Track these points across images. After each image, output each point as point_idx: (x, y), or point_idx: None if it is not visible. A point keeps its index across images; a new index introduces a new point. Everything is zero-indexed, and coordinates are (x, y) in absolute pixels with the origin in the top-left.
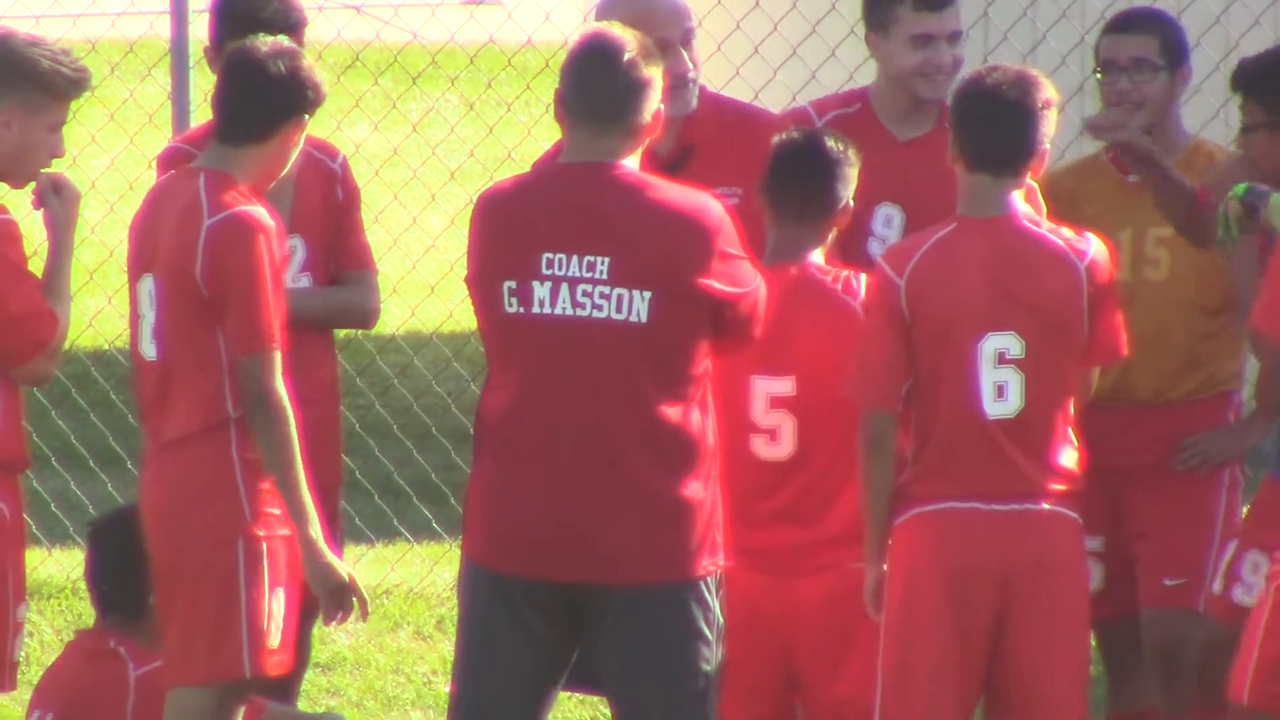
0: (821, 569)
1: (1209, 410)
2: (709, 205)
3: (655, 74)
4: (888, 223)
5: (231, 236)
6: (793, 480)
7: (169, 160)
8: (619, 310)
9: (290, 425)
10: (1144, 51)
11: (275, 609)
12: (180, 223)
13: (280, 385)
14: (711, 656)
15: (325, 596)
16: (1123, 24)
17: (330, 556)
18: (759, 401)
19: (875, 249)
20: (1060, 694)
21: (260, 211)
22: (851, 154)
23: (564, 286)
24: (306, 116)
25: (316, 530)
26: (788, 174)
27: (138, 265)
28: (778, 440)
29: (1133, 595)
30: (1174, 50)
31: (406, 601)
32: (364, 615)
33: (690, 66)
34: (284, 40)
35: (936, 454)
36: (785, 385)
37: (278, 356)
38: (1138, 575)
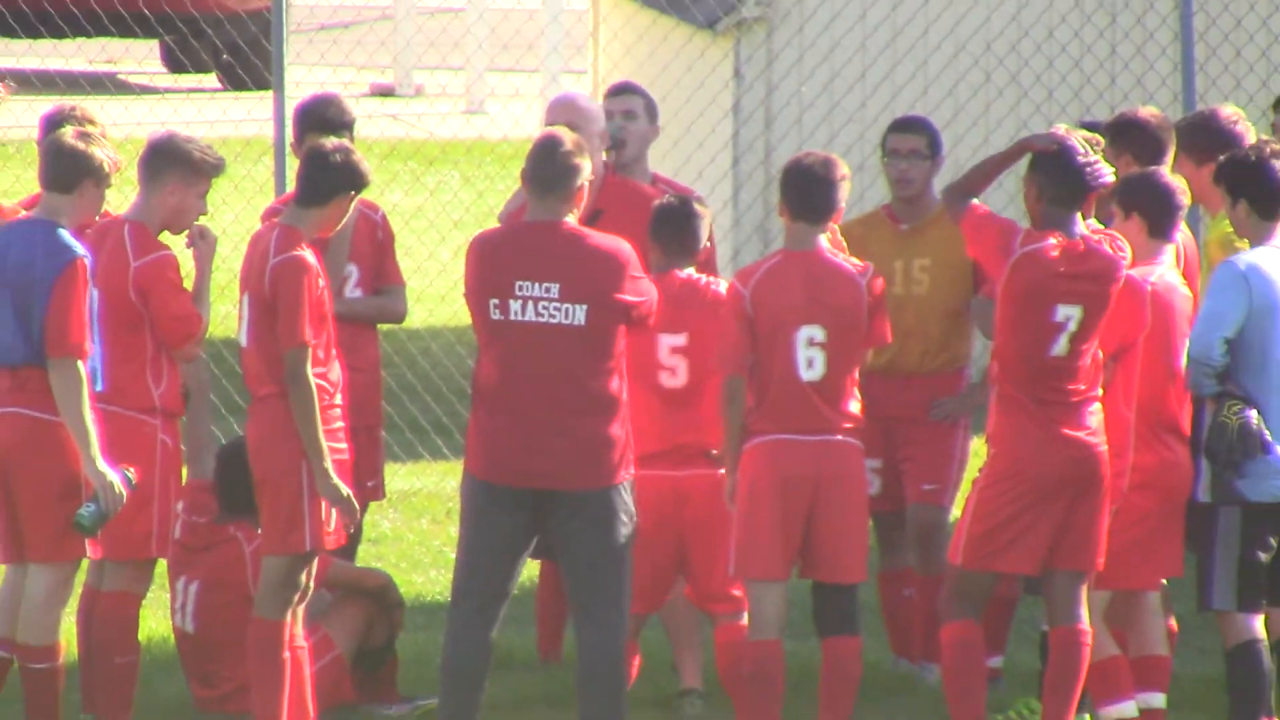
0: (699, 468)
1: (951, 379)
2: (621, 245)
3: (584, 160)
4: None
5: (285, 271)
6: (661, 406)
7: (268, 215)
8: (566, 318)
9: (313, 397)
10: (916, 145)
11: (328, 507)
12: (260, 260)
13: (309, 370)
14: (628, 532)
15: (332, 504)
16: (902, 125)
17: (336, 480)
18: (663, 350)
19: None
20: (849, 556)
21: (306, 255)
22: (700, 209)
23: (530, 303)
24: (354, 193)
25: (328, 464)
26: (665, 224)
27: (242, 286)
28: (676, 375)
29: (900, 496)
30: (936, 145)
31: (426, 499)
32: (353, 522)
33: (603, 155)
34: (343, 138)
35: (770, 404)
36: (680, 340)
37: (308, 351)
38: (904, 483)
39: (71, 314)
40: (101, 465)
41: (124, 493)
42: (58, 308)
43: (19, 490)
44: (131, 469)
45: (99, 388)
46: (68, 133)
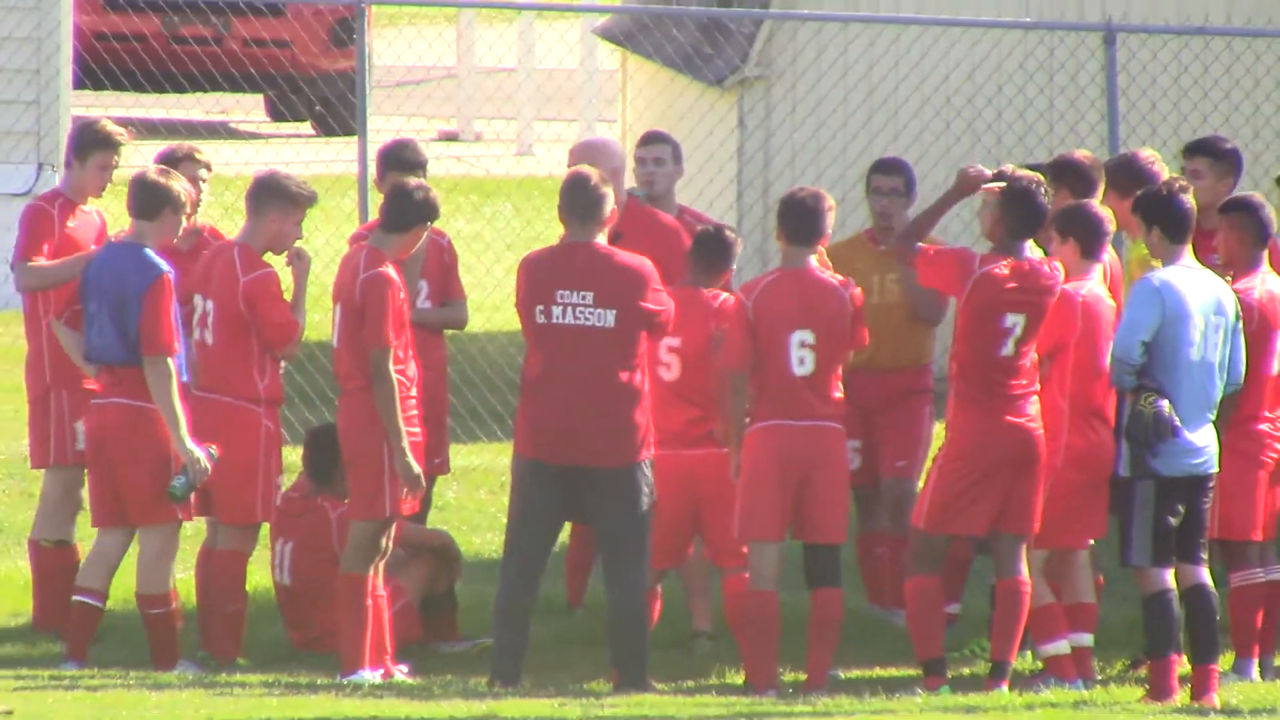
0: (708, 449)
1: (918, 374)
2: (645, 263)
3: (609, 190)
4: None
5: (373, 285)
6: (675, 397)
7: (355, 239)
8: (598, 321)
9: (394, 390)
10: (896, 185)
11: (405, 477)
12: (350, 275)
13: (391, 368)
14: (649, 502)
15: (404, 481)
16: (885, 167)
17: (410, 459)
18: (662, 349)
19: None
20: (833, 520)
21: (390, 272)
22: (734, 238)
23: (569, 309)
24: (429, 223)
25: (405, 445)
26: (702, 248)
27: (334, 297)
28: (671, 370)
29: (876, 471)
30: (911, 184)
31: (484, 474)
32: (419, 495)
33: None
34: (419, 176)
35: (768, 395)
36: (676, 342)
37: (391, 352)
38: (880, 461)
39: (161, 319)
40: (189, 444)
41: (208, 466)
42: (149, 315)
43: (120, 467)
44: (214, 446)
45: (184, 378)
46: (151, 169)
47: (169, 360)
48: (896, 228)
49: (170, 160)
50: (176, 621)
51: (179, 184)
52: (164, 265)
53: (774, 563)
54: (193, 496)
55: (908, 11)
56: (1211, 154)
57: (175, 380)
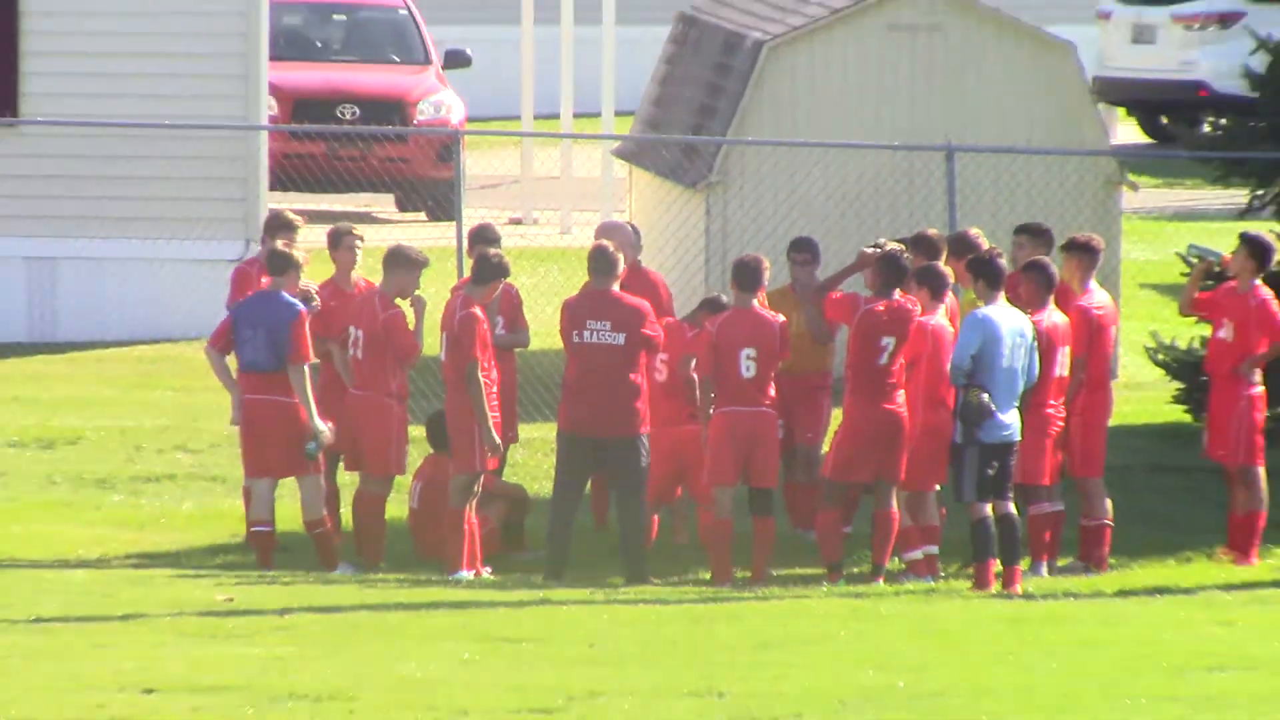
0: (687, 427)
1: (821, 377)
2: (643, 303)
3: (619, 256)
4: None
5: (467, 320)
6: (665, 393)
7: (454, 290)
8: (613, 341)
9: (481, 389)
10: (806, 257)
11: (489, 445)
12: (452, 313)
13: (479, 374)
14: (646, 461)
15: (489, 447)
16: (798, 245)
17: (493, 433)
18: (656, 360)
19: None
20: (769, 472)
21: (476, 311)
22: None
23: (594, 332)
24: (504, 279)
25: (489, 424)
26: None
27: (442, 327)
28: (661, 372)
29: (793, 441)
30: (816, 255)
31: (540, 443)
32: (498, 457)
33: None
34: (497, 247)
35: (726, 391)
36: (664, 355)
37: (478, 364)
38: (796, 434)
39: (300, 340)
40: (318, 422)
41: (331, 438)
42: (294, 337)
43: (271, 440)
44: (330, 424)
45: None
46: (279, 243)
47: (305, 367)
48: (805, 282)
49: (335, 235)
50: (334, 538)
51: (298, 252)
52: (299, 304)
53: (730, 500)
54: (344, 457)
55: (818, 138)
56: (1030, 233)
57: (309, 379)
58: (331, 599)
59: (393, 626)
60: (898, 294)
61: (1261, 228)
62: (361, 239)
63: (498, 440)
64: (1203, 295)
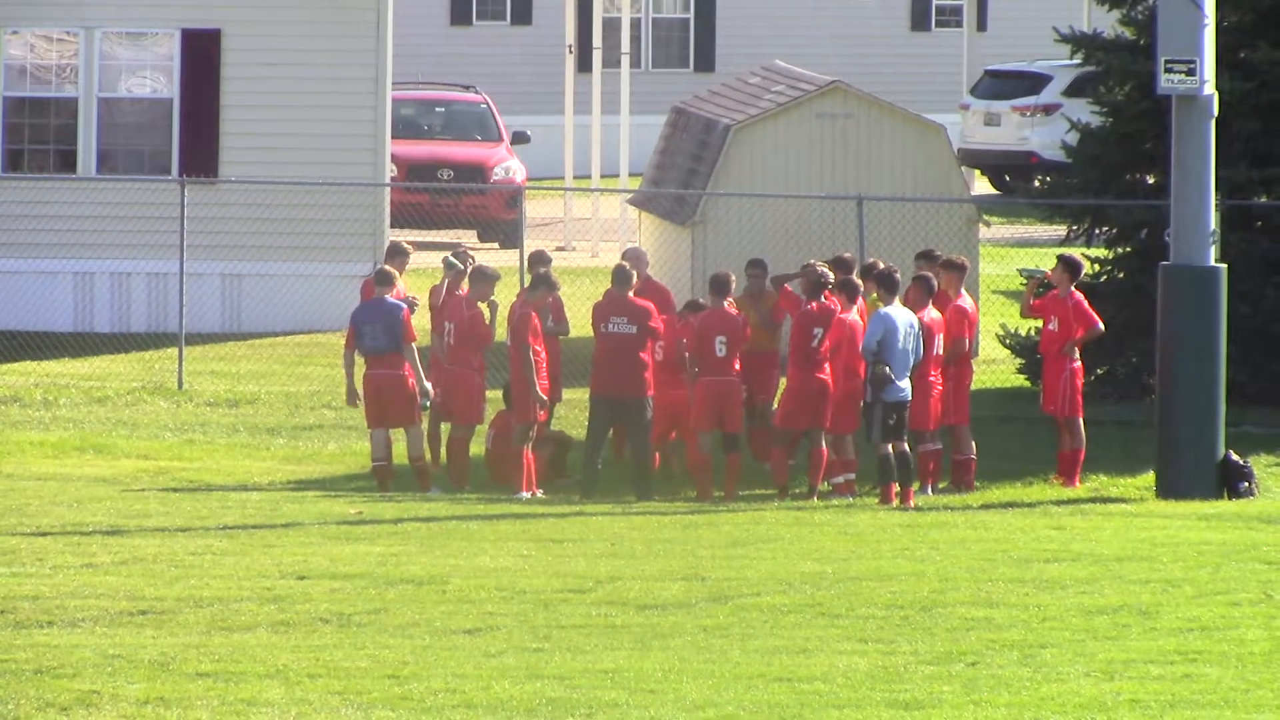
0: (680, 390)
1: (771, 355)
2: (650, 305)
3: (634, 271)
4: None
5: (522, 319)
6: (664, 367)
7: (519, 297)
8: (628, 331)
9: (531, 364)
10: (759, 273)
11: (538, 402)
12: (514, 312)
13: (529, 355)
14: (650, 414)
15: (538, 403)
16: (752, 264)
17: (539, 393)
18: (656, 346)
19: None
20: (736, 421)
21: (532, 313)
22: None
23: (615, 324)
24: (550, 290)
25: (537, 388)
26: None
27: (508, 323)
28: (660, 353)
29: (753, 401)
30: (767, 271)
31: (578, 403)
32: (546, 411)
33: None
34: (549, 267)
35: (705, 366)
36: (661, 342)
37: (530, 347)
38: (754, 396)
39: (408, 327)
40: (425, 385)
41: (432, 395)
42: (405, 326)
43: (391, 403)
44: (432, 387)
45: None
46: (385, 265)
47: (413, 346)
48: (758, 289)
49: (459, 258)
50: (431, 470)
51: (399, 272)
52: (402, 305)
53: (709, 441)
54: (440, 411)
55: (770, 191)
56: (924, 256)
57: (416, 355)
58: (430, 512)
59: (473, 531)
60: (824, 297)
61: (1075, 251)
62: (470, 260)
63: (545, 398)
64: (1036, 302)
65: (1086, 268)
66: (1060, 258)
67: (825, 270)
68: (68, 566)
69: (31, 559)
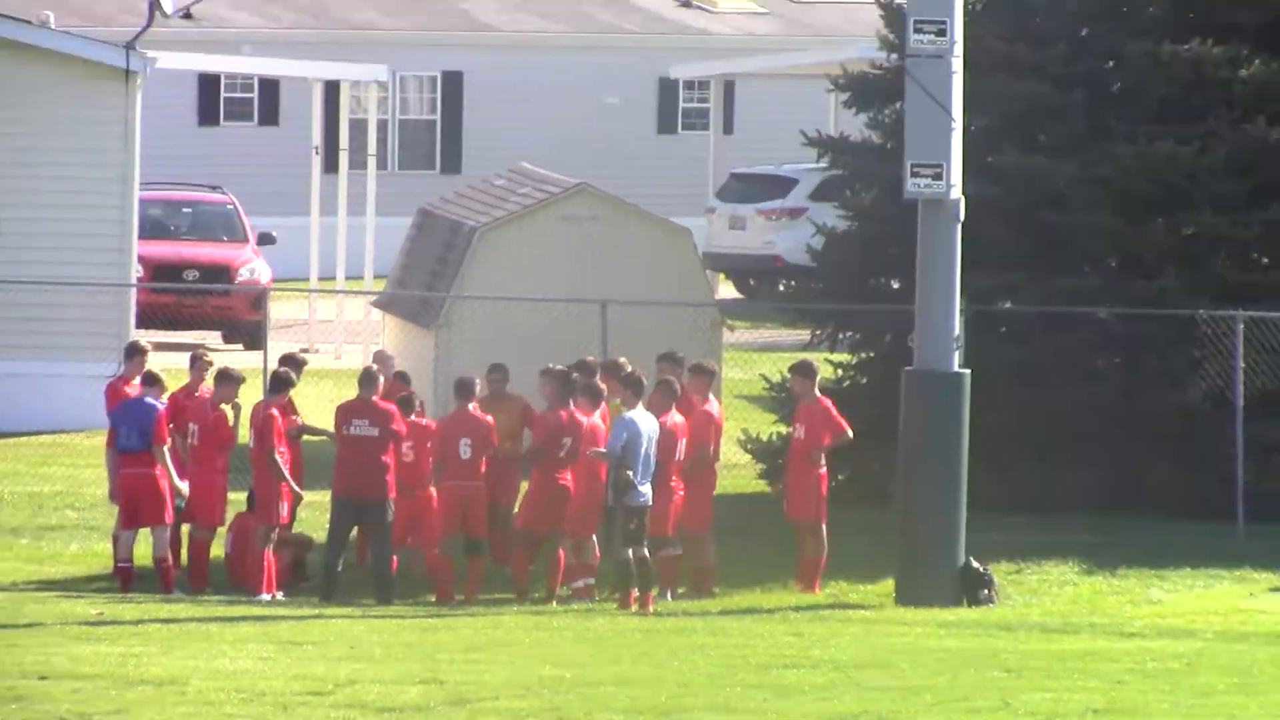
0: (422, 492)
1: (515, 459)
2: (393, 408)
3: (381, 377)
4: None
5: (265, 420)
6: (412, 468)
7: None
8: (371, 433)
9: (278, 466)
10: (501, 375)
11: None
12: (257, 414)
13: (276, 456)
14: (391, 517)
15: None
16: (495, 369)
17: (295, 486)
18: None
19: None
20: (479, 525)
21: (274, 413)
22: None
23: (358, 426)
24: (289, 389)
25: (291, 483)
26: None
27: (250, 424)
28: (408, 455)
29: (496, 502)
30: (507, 375)
31: (319, 505)
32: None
33: None
34: (300, 369)
35: (449, 468)
36: (409, 443)
37: (273, 449)
38: (497, 499)
39: (159, 429)
40: (179, 484)
41: (186, 496)
42: (156, 427)
43: (142, 502)
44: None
45: None
46: (151, 370)
47: (163, 447)
48: (500, 392)
49: (194, 358)
50: (172, 570)
51: (162, 375)
52: (159, 404)
53: (451, 544)
54: (181, 512)
55: (514, 294)
56: (668, 359)
57: (167, 456)
58: (171, 613)
59: (213, 633)
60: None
61: (817, 356)
62: (211, 362)
63: (301, 493)
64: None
65: (828, 372)
66: (790, 368)
67: (568, 372)
68: None
69: None
